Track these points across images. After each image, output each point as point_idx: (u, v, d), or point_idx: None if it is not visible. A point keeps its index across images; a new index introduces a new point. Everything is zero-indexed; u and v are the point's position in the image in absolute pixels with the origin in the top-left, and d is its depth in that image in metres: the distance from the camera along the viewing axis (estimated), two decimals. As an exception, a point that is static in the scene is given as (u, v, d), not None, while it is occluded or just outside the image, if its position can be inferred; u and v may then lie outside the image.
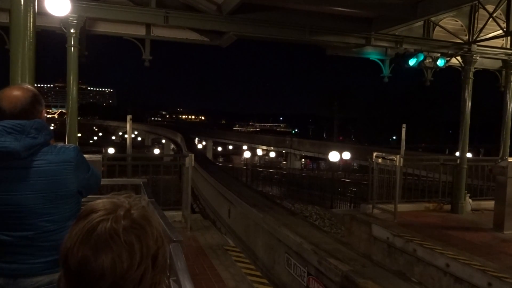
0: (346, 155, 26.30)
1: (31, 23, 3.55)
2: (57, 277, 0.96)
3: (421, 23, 9.13)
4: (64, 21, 6.77)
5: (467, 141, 9.73)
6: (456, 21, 9.32)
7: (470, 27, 9.30)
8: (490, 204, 8.72)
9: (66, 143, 5.88)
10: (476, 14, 9.23)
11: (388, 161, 9.02)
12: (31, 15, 3.55)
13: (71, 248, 0.88)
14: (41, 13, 5.30)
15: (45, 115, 2.23)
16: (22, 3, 3.51)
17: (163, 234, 0.97)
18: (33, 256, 1.98)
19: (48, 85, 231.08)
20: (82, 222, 0.90)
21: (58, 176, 2.02)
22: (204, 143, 62.82)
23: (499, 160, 8.58)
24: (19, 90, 2.11)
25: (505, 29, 8.91)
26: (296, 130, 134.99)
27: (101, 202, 0.93)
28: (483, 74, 10.51)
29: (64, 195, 2.03)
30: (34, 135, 2.00)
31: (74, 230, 0.90)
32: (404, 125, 10.13)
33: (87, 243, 0.86)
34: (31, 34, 3.57)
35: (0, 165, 1.96)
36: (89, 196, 2.13)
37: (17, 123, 1.99)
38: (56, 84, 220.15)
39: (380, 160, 9.21)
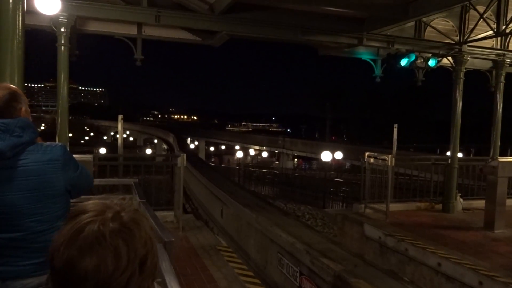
0: (338, 155, 26.40)
1: (20, 22, 3.51)
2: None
3: (413, 23, 9.18)
4: (54, 20, 6.70)
5: (458, 141, 9.81)
6: (447, 21, 9.38)
7: (461, 28, 9.37)
8: (480, 203, 8.78)
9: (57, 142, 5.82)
10: (467, 15, 9.29)
11: (380, 160, 9.06)
12: (20, 14, 3.51)
13: (57, 248, 0.87)
14: (31, 12, 5.25)
15: (30, 113, 2.17)
16: (10, 1, 3.47)
17: (154, 237, 0.95)
18: (22, 258, 1.94)
19: (39, 85, 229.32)
20: (71, 222, 0.89)
21: (45, 175, 1.98)
22: (196, 143, 62.63)
23: (490, 160, 8.65)
24: None
25: (495, 30, 8.98)
26: (288, 130, 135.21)
27: (92, 203, 0.92)
28: (474, 75, 10.61)
29: (52, 194, 1.99)
30: (19, 134, 1.95)
31: (63, 231, 0.89)
32: (395, 125, 10.19)
33: (73, 244, 0.85)
34: (20, 33, 3.53)
35: None
36: (82, 197, 2.09)
37: (1, 122, 1.95)
38: (47, 84, 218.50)
39: (372, 160, 9.24)
